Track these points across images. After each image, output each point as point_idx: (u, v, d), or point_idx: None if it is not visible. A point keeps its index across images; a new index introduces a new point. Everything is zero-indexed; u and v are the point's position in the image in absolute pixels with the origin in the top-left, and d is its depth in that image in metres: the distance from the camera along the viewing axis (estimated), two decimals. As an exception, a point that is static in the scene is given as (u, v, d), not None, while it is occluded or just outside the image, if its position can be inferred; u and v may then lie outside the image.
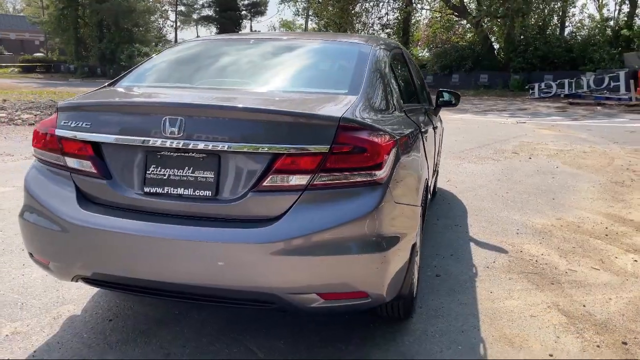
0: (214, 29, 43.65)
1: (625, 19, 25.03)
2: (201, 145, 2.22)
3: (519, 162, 8.10)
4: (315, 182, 2.16)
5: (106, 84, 3.01)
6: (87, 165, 2.39)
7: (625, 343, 2.74)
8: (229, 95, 2.69)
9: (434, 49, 30.80)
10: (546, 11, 26.66)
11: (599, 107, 18.45)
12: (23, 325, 2.84)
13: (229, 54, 3.25)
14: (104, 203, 2.39)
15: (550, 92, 21.92)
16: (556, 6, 26.07)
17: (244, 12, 44.57)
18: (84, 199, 2.41)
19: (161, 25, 54.05)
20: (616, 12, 29.28)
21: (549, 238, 4.47)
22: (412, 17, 31.90)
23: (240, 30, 44.27)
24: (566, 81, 21.67)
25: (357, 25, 31.99)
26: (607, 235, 4.56)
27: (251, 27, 50.55)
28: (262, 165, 2.20)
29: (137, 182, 2.34)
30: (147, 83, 2.96)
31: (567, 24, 28.27)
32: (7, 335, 2.74)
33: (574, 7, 28.42)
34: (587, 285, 3.49)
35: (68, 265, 2.44)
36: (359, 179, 2.19)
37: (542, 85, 22.40)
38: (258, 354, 2.60)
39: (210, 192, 2.25)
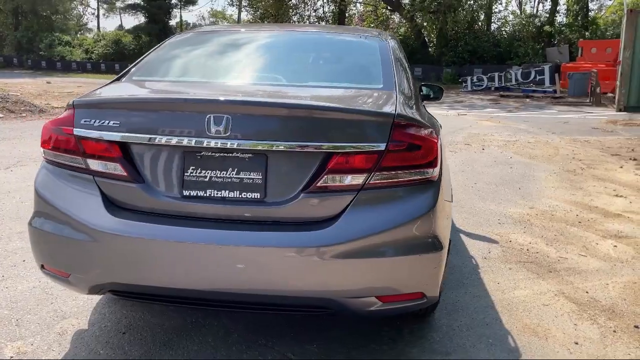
0: (142, 18, 41.81)
1: (547, 15, 26.54)
2: (248, 145, 2.08)
3: (475, 154, 8.37)
4: (371, 182, 2.09)
5: (115, 78, 2.77)
6: (114, 168, 2.19)
7: (637, 327, 2.89)
8: (269, 91, 2.55)
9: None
10: (474, 7, 27.73)
11: (527, 100, 19.47)
12: (26, 344, 2.58)
13: (245, 48, 3.09)
14: (134, 208, 2.20)
15: (482, 85, 22.86)
16: (483, 2, 27.18)
17: (174, 1, 43.00)
18: (111, 205, 2.20)
19: (82, 13, 51.17)
20: (535, 9, 30.98)
21: (530, 227, 4.64)
22: (347, 11, 32.15)
23: (170, 20, 42.78)
24: (496, 75, 22.68)
25: (293, 17, 31.81)
26: (580, 222, 4.81)
27: (181, 16, 48.97)
28: (314, 165, 2.10)
29: (174, 185, 2.17)
30: (166, 77, 2.76)
31: (493, 19, 29.58)
32: (11, 357, 2.47)
33: (500, 4, 29.76)
34: (582, 272, 3.65)
35: (94, 276, 2.23)
36: (414, 178, 2.14)
37: (474, 78, 23.31)
38: (293, 357, 2.51)
39: (258, 194, 2.12)
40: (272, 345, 2.62)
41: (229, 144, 2.08)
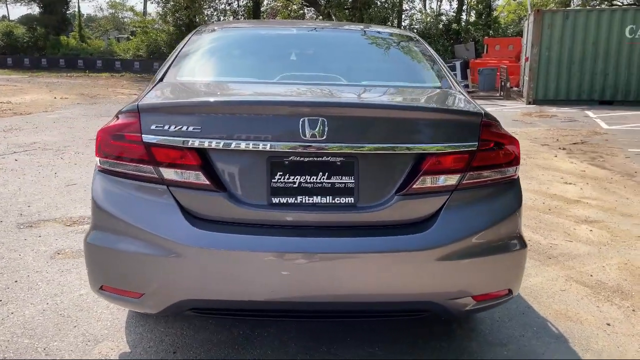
0: (36, 9, 38.56)
1: (454, 14, 28.02)
2: (341, 148, 2.01)
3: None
4: (464, 182, 2.10)
5: (157, 78, 2.51)
6: (194, 177, 2.01)
7: (649, 304, 3.16)
8: (348, 91, 2.46)
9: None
10: (386, 5, 28.58)
11: (444, 94, 20.45)
12: (69, 375, 2.32)
13: (282, 45, 2.96)
14: (216, 219, 2.04)
15: (399, 80, 23.62)
16: (396, 0, 28.12)
17: (71, -9, 40.10)
18: (191, 216, 2.02)
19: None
20: (437, 8, 32.57)
21: (509, 217, 4.89)
22: (262, 5, 31.83)
23: (68, 9, 39.87)
24: (412, 70, 23.55)
25: (206, 10, 30.93)
26: (550, 209, 5.15)
27: (78, 6, 45.79)
28: (407, 166, 2.07)
29: (260, 192, 2.04)
30: (220, 77, 2.57)
31: (403, 17, 30.71)
32: (60, 391, 2.21)
33: (411, 2, 30.97)
34: (576, 257, 3.91)
35: (174, 294, 2.04)
36: (500, 177, 2.18)
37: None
38: (363, 364, 2.47)
39: (351, 199, 2.05)
40: (335, 351, 2.56)
41: (324, 148, 1.99)
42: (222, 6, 31.65)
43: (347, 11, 25.88)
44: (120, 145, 2.07)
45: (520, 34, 24.90)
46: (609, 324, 2.91)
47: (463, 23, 26.38)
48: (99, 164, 2.14)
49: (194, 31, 3.01)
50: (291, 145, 1.99)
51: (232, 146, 1.99)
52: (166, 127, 2.00)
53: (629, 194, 5.84)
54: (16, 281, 3.21)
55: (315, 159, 2.03)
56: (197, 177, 2.01)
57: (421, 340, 2.68)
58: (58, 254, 3.68)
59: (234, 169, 2.04)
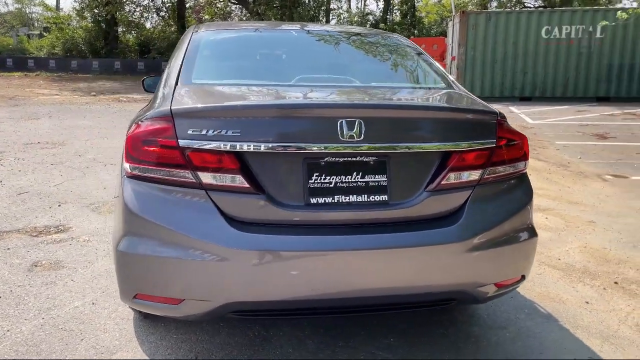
0: None
1: (381, 14, 28.77)
2: (375, 148, 2.09)
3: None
4: (485, 177, 2.25)
5: (172, 82, 2.44)
6: (235, 180, 2.02)
7: (616, 282, 3.49)
8: (370, 92, 2.52)
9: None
10: (313, 4, 28.86)
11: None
12: (94, 389, 2.24)
13: (289, 46, 2.97)
14: (255, 221, 2.06)
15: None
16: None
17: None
18: (231, 220, 2.03)
19: None
20: (362, 8, 33.32)
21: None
22: (187, 1, 31.05)
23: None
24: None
25: (128, 6, 29.73)
26: (505, 201, 5.50)
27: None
28: (434, 163, 2.19)
29: (297, 193, 2.08)
30: (236, 80, 2.55)
31: (331, 16, 31.13)
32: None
33: (339, 1, 31.44)
34: (541, 243, 4.19)
35: (218, 298, 2.03)
36: (513, 171, 2.35)
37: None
38: (382, 354, 2.57)
39: (384, 197, 2.14)
40: (354, 345, 2.64)
41: (360, 148, 2.06)
42: (145, 2, 30.55)
43: (276, 9, 25.88)
44: (153, 151, 2.03)
45: (443, 34, 26.03)
46: (587, 302, 3.20)
47: (389, 23, 27.16)
48: (129, 170, 2.08)
49: (192, 32, 2.94)
50: (329, 146, 2.04)
51: (271, 148, 2.01)
52: (204, 132, 1.99)
53: (569, 183, 6.35)
54: (0, 297, 3.02)
55: (350, 159, 2.10)
56: (237, 181, 2.01)
57: (428, 328, 2.82)
58: (35, 266, 3.48)
59: (272, 171, 2.06)
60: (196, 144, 1.99)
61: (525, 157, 2.39)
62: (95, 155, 7.21)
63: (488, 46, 16.77)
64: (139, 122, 2.13)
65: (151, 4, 31.11)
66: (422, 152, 2.17)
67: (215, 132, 1.99)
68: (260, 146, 2.01)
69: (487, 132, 2.26)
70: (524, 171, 2.42)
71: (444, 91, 2.64)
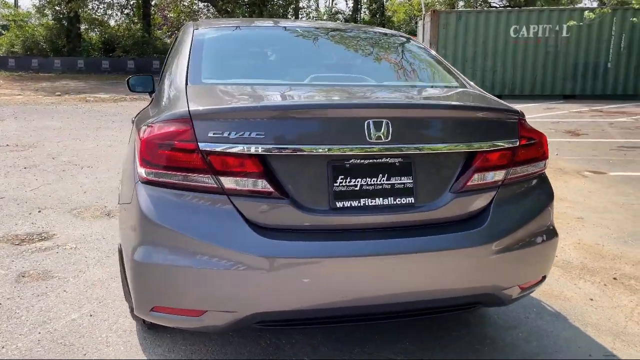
0: None
1: (350, 13, 28.82)
2: (401, 149, 2.03)
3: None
4: (509, 177, 2.21)
5: (184, 82, 2.30)
6: (259, 185, 1.92)
7: (615, 278, 3.53)
8: (392, 92, 2.45)
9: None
10: (282, 1, 28.70)
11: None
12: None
13: (296, 44, 2.87)
14: (279, 227, 1.96)
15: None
16: (292, -2, 28.36)
17: None
18: (255, 226, 1.93)
19: None
20: (330, 7, 33.35)
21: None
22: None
23: None
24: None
25: (91, 3, 28.89)
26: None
27: None
28: (459, 164, 2.14)
29: (322, 197, 1.99)
30: (249, 80, 2.44)
31: (300, 15, 30.98)
32: None
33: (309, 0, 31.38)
34: (536, 241, 4.26)
35: (242, 309, 1.93)
36: (535, 170, 2.32)
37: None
38: (401, 358, 2.51)
39: (411, 199, 2.08)
40: (370, 350, 2.57)
41: (387, 150, 2.00)
42: (109, 0, 29.74)
43: (244, 7, 25.59)
44: (169, 155, 1.91)
45: (412, 32, 26.23)
46: (591, 299, 3.22)
47: (359, 22, 27.22)
48: (144, 175, 1.96)
49: (193, 30, 2.80)
50: (356, 147, 1.97)
51: (296, 151, 1.93)
52: (226, 134, 1.89)
53: (551, 180, 6.43)
54: (-16, 315, 2.83)
55: (376, 160, 2.03)
56: (261, 185, 1.92)
57: (442, 332, 2.78)
58: (23, 276, 3.29)
59: (295, 174, 1.97)
60: (218, 147, 1.88)
61: (545, 156, 2.36)
62: (70, 158, 6.93)
63: (459, 45, 16.97)
64: (152, 125, 2.01)
65: (115, 1, 30.30)
66: (447, 153, 2.12)
67: (238, 135, 1.89)
68: (285, 149, 1.92)
69: (510, 131, 2.22)
70: (543, 170, 2.40)
71: (462, 90, 2.60)
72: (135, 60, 27.66)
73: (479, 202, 2.16)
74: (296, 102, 2.18)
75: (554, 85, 17.24)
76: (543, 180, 2.40)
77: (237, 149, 1.88)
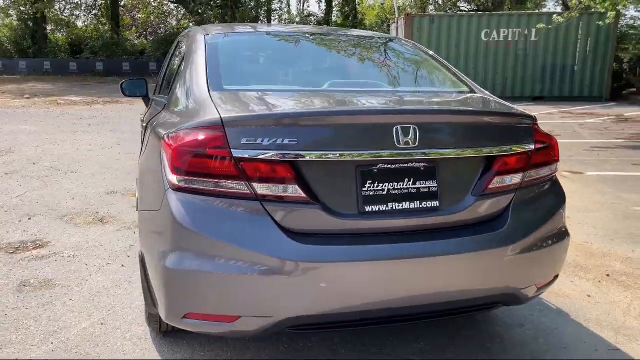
0: None
1: (323, 15, 28.91)
2: (426, 154, 2.08)
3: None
4: (525, 180, 2.29)
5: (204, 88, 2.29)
6: (291, 190, 1.94)
7: (608, 275, 3.68)
8: (409, 97, 2.49)
9: (151, 35, 29.68)
10: (253, 4, 28.61)
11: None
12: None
13: (311, 50, 2.90)
14: (310, 232, 1.99)
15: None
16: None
17: None
18: (287, 230, 1.95)
19: None
20: (302, 8, 33.43)
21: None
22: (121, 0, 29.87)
23: None
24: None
25: (58, 4, 28.20)
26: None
27: None
28: (479, 168, 2.21)
29: (351, 202, 2.03)
30: (269, 86, 2.46)
31: (273, 16, 30.96)
32: None
33: (280, 1, 31.35)
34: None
35: (277, 313, 1.94)
36: (548, 173, 2.41)
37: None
38: (418, 358, 2.56)
39: (435, 202, 2.13)
40: (387, 351, 2.62)
41: (414, 154, 2.05)
42: (76, 0, 29.08)
43: (216, 9, 25.41)
44: (201, 162, 1.91)
45: (384, 35, 26.47)
46: (589, 295, 3.35)
47: (332, 24, 27.35)
48: (175, 182, 1.95)
49: (203, 36, 2.77)
50: (385, 152, 2.01)
51: (326, 156, 1.96)
52: (259, 141, 1.90)
53: (533, 181, 6.62)
54: (-10, 326, 2.76)
55: (402, 165, 2.08)
56: (294, 191, 1.94)
57: (454, 331, 2.85)
58: (24, 285, 3.22)
59: (325, 179, 2.01)
60: (251, 154, 1.90)
61: (556, 158, 2.45)
62: (52, 163, 6.77)
63: (431, 48, 17.20)
64: (181, 132, 2.00)
65: (82, 1, 29.66)
66: (469, 157, 2.18)
67: (270, 141, 1.91)
68: (317, 154, 1.95)
69: (526, 135, 2.30)
70: (555, 172, 2.49)
71: (475, 95, 2.67)
72: (104, 62, 27.13)
73: (499, 204, 2.23)
74: (329, 109, 2.20)
75: (523, 87, 17.71)
76: (555, 182, 2.49)
77: (270, 155, 1.90)
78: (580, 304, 3.22)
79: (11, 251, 3.77)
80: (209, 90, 2.26)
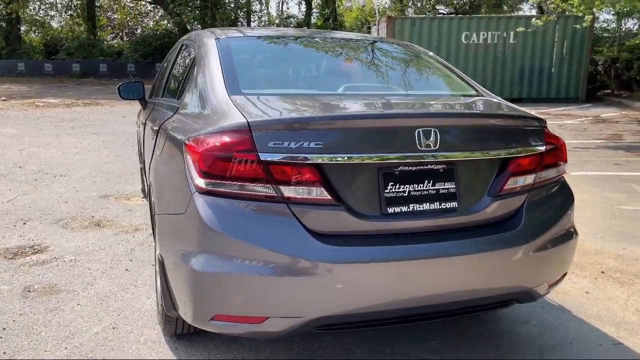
0: None
1: (304, 17, 28.95)
2: (446, 157, 2.14)
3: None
4: (537, 180, 2.37)
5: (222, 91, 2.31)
6: (317, 193, 1.98)
7: (603, 272, 3.79)
8: (428, 101, 2.55)
9: (128, 36, 29.32)
10: (233, 5, 28.50)
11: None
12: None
13: (322, 54, 2.94)
14: (335, 233, 2.03)
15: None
16: (243, 1, 28.20)
17: None
18: (313, 232, 1.98)
19: None
20: (281, 10, 33.43)
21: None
22: (97, 0, 29.42)
23: None
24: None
25: (33, 4, 27.65)
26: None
27: None
28: (495, 169, 2.28)
29: (374, 203, 2.08)
30: (287, 90, 2.49)
31: (253, 18, 30.87)
32: None
33: (261, 3, 31.30)
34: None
35: (305, 314, 1.97)
36: (557, 173, 2.49)
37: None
38: (432, 357, 2.62)
39: (454, 203, 2.19)
40: (400, 350, 2.67)
41: (436, 157, 2.10)
42: (52, 0, 28.56)
43: (196, 10, 25.23)
44: (229, 166, 1.93)
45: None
46: (587, 292, 3.45)
47: (312, 27, 27.40)
48: (202, 186, 1.97)
49: (215, 40, 2.78)
50: (407, 155, 2.06)
51: (351, 159, 2.00)
52: (286, 144, 1.93)
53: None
54: (4, 328, 2.72)
55: (422, 167, 2.13)
56: (320, 193, 1.98)
57: (464, 329, 2.91)
58: (29, 291, 3.17)
59: (349, 181, 2.04)
60: (278, 157, 1.93)
61: (565, 160, 2.54)
62: (39, 167, 6.66)
63: (413, 50, 17.43)
64: (207, 136, 2.02)
65: (58, 1, 29.15)
66: (486, 159, 2.24)
67: (297, 145, 1.94)
68: (343, 157, 1.98)
69: (538, 137, 2.38)
70: (564, 174, 2.57)
71: (486, 99, 2.74)
72: (81, 63, 26.69)
73: (513, 205, 2.30)
74: (353, 113, 2.24)
75: (502, 89, 17.98)
76: (564, 183, 2.58)
77: (298, 158, 1.93)
78: (580, 301, 3.31)
79: (10, 257, 3.71)
80: (228, 95, 2.28)
